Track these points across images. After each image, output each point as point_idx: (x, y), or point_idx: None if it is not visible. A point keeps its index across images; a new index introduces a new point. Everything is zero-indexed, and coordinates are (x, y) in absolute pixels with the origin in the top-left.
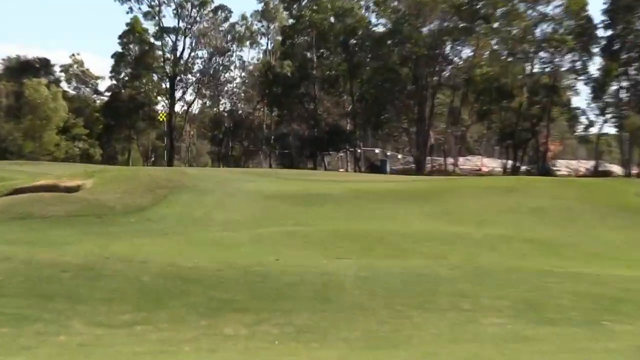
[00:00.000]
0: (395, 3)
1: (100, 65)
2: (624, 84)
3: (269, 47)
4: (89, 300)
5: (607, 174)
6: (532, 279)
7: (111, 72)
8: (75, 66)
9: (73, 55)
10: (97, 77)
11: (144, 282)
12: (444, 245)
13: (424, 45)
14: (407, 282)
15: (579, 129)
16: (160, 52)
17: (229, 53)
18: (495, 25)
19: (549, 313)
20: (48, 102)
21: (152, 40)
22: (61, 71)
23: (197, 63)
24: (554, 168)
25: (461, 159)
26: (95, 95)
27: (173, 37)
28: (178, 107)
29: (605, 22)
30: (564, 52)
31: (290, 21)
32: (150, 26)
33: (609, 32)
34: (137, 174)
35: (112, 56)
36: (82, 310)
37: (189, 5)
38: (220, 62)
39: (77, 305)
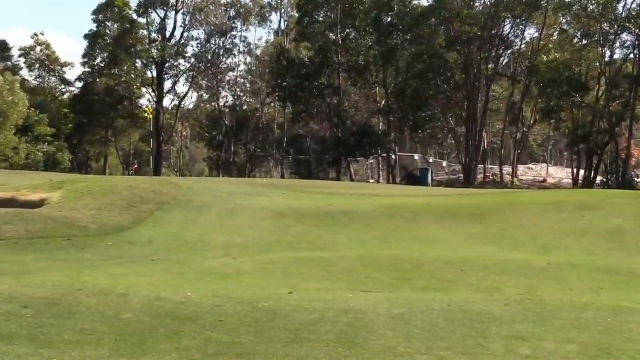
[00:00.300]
0: None
1: (70, 49)
2: None
3: (282, 26)
4: (56, 342)
5: None
6: (607, 317)
7: (83, 56)
8: (38, 49)
9: (35, 35)
10: (65, 64)
11: (125, 321)
12: (498, 275)
13: (476, 24)
14: (451, 321)
15: None
16: (144, 32)
17: (232, 33)
18: None
19: None
20: (4, 94)
21: (134, 16)
22: (20, 55)
23: (192, 45)
24: (637, 180)
25: (521, 168)
26: (63, 86)
27: (161, 12)
28: (167, 101)
29: None
30: None
31: None
32: None
33: None
34: (116, 186)
35: (85, 37)
36: (47, 355)
37: None
38: (221, 45)
39: (41, 349)
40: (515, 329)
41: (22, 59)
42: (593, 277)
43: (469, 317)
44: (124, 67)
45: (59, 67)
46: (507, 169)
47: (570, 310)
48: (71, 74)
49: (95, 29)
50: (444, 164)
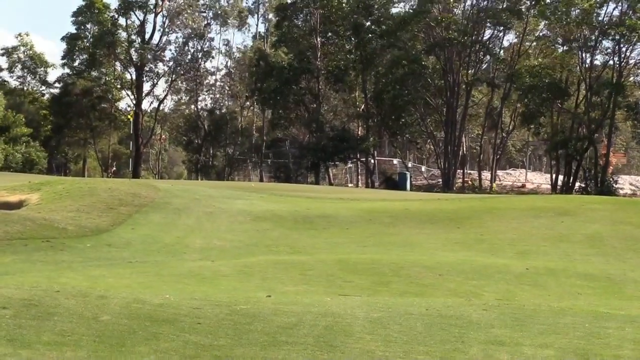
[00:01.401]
0: None
1: (47, 51)
2: None
3: (260, 30)
4: (34, 344)
5: None
6: (585, 323)
7: (62, 58)
8: (22, 50)
9: (20, 35)
10: (48, 65)
11: (103, 323)
12: (477, 280)
13: (456, 30)
14: (430, 325)
15: None
16: (124, 34)
17: (209, 34)
18: (548, 2)
19: None
20: None
21: (115, 15)
22: (2, 54)
23: (170, 49)
24: (616, 186)
25: (500, 173)
26: (43, 88)
27: (140, 14)
28: (146, 104)
29: None
30: (634, 41)
31: None
32: (113, 1)
33: None
34: (95, 188)
35: (62, 39)
36: (26, 356)
37: None
38: (200, 48)
39: (20, 351)
40: (493, 333)
41: (5, 59)
42: (571, 282)
43: (447, 322)
44: (103, 70)
45: (42, 69)
46: (486, 174)
47: (548, 315)
48: (52, 76)
49: (75, 31)
50: (423, 168)
